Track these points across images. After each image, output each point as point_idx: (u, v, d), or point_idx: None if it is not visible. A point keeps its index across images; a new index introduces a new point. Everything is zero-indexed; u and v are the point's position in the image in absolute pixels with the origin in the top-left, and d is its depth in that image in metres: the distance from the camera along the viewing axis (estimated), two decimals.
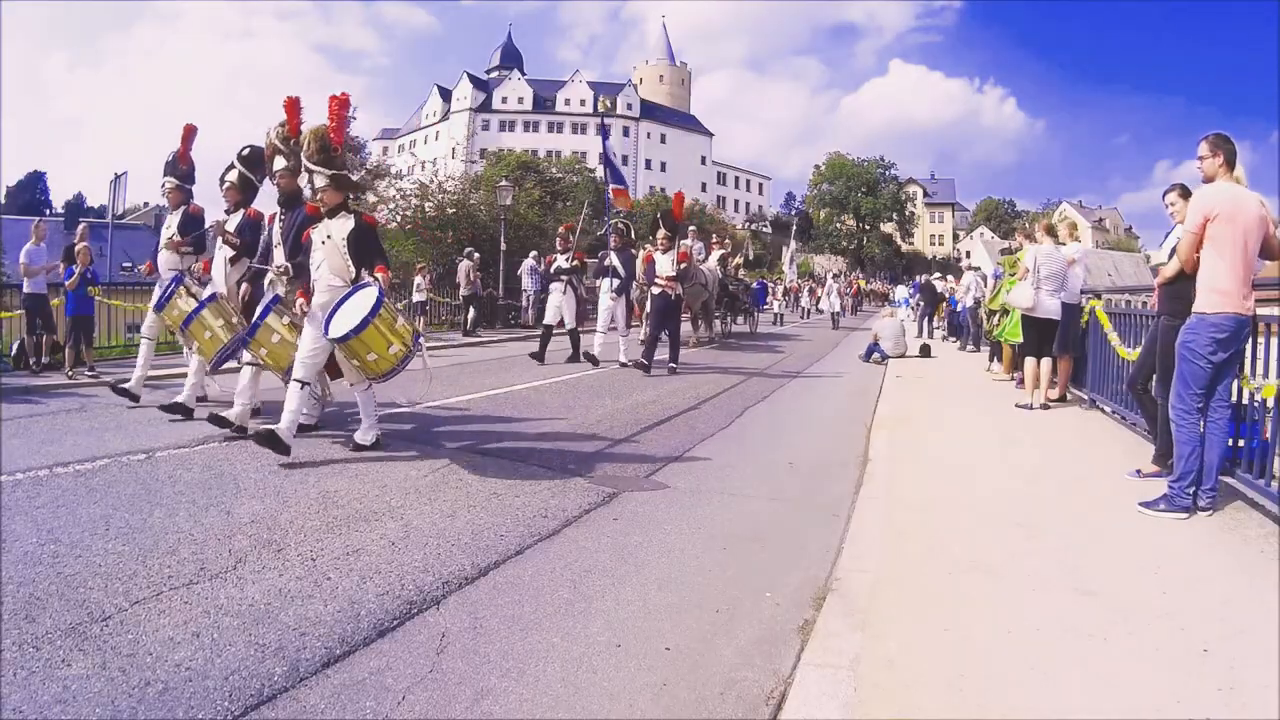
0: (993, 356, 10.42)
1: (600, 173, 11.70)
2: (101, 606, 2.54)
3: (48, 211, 50.45)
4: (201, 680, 2.12)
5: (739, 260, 18.63)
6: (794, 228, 44.55)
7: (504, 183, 20.15)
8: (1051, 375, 7.08)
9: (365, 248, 4.80)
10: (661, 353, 9.73)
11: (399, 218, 20.50)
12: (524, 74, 74.19)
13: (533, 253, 17.55)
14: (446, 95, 74.32)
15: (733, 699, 2.18)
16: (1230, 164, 3.70)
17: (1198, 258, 3.72)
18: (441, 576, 2.93)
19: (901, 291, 27.70)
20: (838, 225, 73.08)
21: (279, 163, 5.25)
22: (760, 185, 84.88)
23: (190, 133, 6.48)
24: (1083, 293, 7.27)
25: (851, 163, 72.81)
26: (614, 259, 10.25)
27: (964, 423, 6.55)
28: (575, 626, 2.58)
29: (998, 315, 8.89)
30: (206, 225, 6.42)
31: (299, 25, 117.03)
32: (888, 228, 74.39)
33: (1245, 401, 3.96)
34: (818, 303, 29.80)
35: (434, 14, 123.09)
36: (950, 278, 24.17)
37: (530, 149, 52.06)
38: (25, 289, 8.40)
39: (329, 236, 4.76)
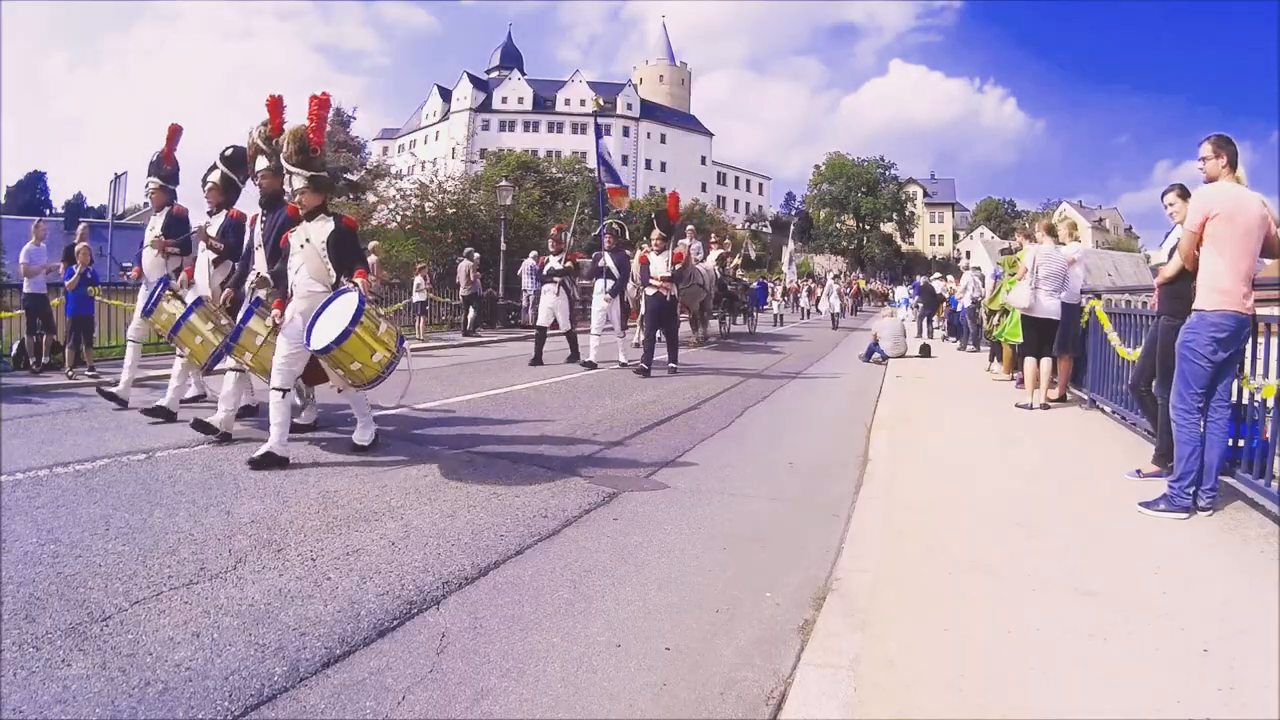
0: (993, 356, 10.42)
1: (599, 173, 11.57)
2: (101, 606, 2.54)
3: (48, 211, 50.40)
4: (201, 680, 2.12)
5: (738, 260, 18.61)
6: (792, 228, 44.52)
7: (504, 183, 20.17)
8: (1051, 375, 7.07)
9: (345, 251, 4.65)
10: (660, 353, 9.71)
11: (399, 218, 20.55)
12: (524, 74, 74.18)
13: (533, 253, 17.55)
14: (446, 95, 74.32)
15: (733, 699, 2.18)
16: (1233, 164, 3.70)
17: (1198, 255, 3.72)
18: (441, 576, 2.93)
19: (901, 291, 27.71)
20: (838, 225, 73.10)
21: (261, 163, 5.14)
22: (760, 185, 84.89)
23: (175, 133, 6.39)
24: (1083, 293, 7.26)
25: (851, 163, 72.82)
26: (608, 260, 10.16)
27: (964, 423, 6.55)
28: (575, 626, 2.58)
29: (998, 315, 8.89)
30: (192, 228, 6.32)
31: (299, 25, 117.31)
32: (888, 228, 74.40)
33: (1245, 401, 3.96)
34: (817, 303, 29.80)
35: (434, 14, 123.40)
36: (950, 278, 24.17)
37: (530, 149, 51.97)
38: (25, 289, 8.40)
39: (307, 240, 4.64)
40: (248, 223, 5.60)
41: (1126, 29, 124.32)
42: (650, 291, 9.83)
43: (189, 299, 5.67)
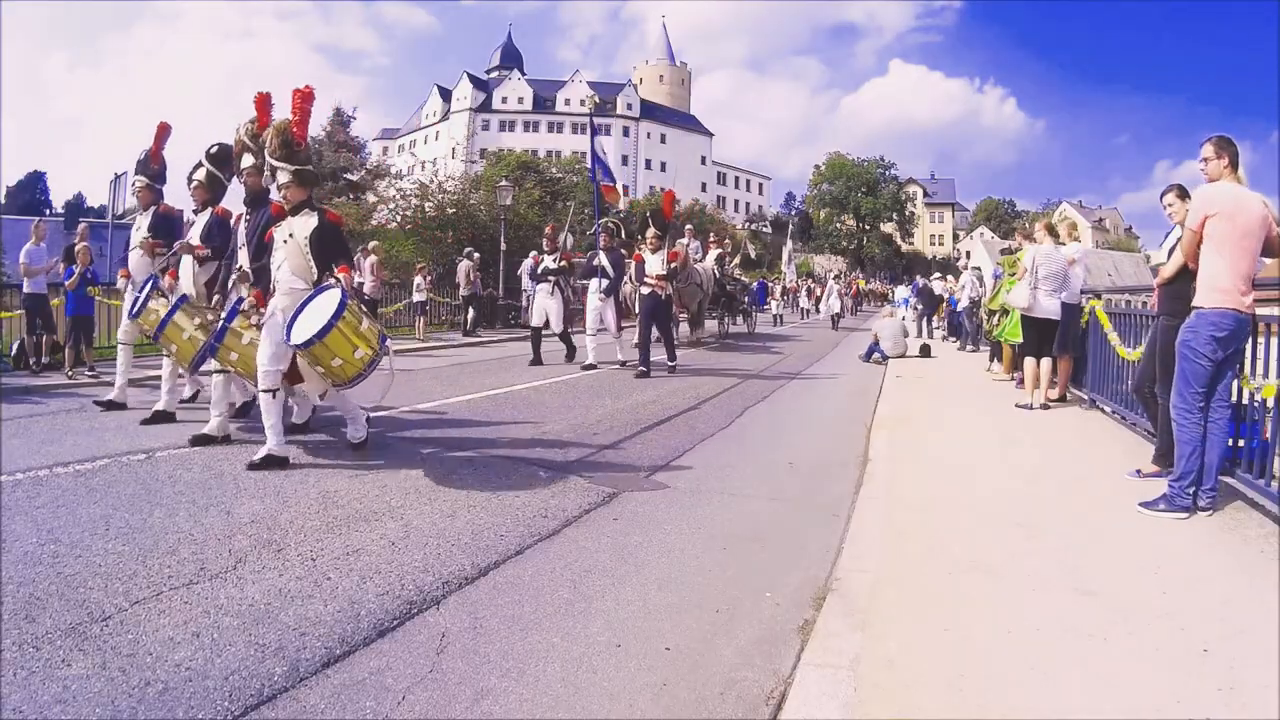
0: (993, 356, 10.42)
1: (595, 171, 11.51)
2: (101, 606, 2.54)
3: (48, 211, 50.39)
4: (201, 680, 2.12)
5: (737, 260, 18.60)
6: (790, 227, 44.51)
7: (504, 183, 20.19)
8: (1051, 375, 7.07)
9: (328, 247, 4.57)
10: (659, 353, 9.68)
11: (399, 218, 20.58)
12: (524, 74, 74.18)
13: (532, 253, 17.56)
14: (446, 95, 74.32)
15: (733, 699, 2.18)
16: (1234, 165, 3.71)
17: (1199, 253, 3.73)
18: (441, 576, 2.93)
19: (901, 291, 27.72)
20: (838, 225, 73.11)
21: (247, 160, 5.08)
22: (760, 185, 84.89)
23: (163, 131, 6.27)
24: (1083, 293, 7.27)
25: (851, 163, 72.85)
26: (603, 259, 10.08)
27: (964, 423, 6.55)
28: (575, 626, 2.58)
29: (998, 315, 8.89)
30: (182, 225, 6.24)
31: (299, 25, 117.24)
32: (888, 228, 74.41)
33: (1245, 401, 3.97)
34: (817, 303, 29.77)
35: (434, 14, 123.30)
36: (950, 277, 24.18)
37: (530, 149, 52.03)
38: (25, 289, 8.41)
39: (291, 235, 4.58)
40: (233, 221, 5.53)
41: (1126, 29, 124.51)
42: (645, 290, 9.73)
43: (175, 298, 5.59)
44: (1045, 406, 6.90)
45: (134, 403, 6.15)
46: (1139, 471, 4.45)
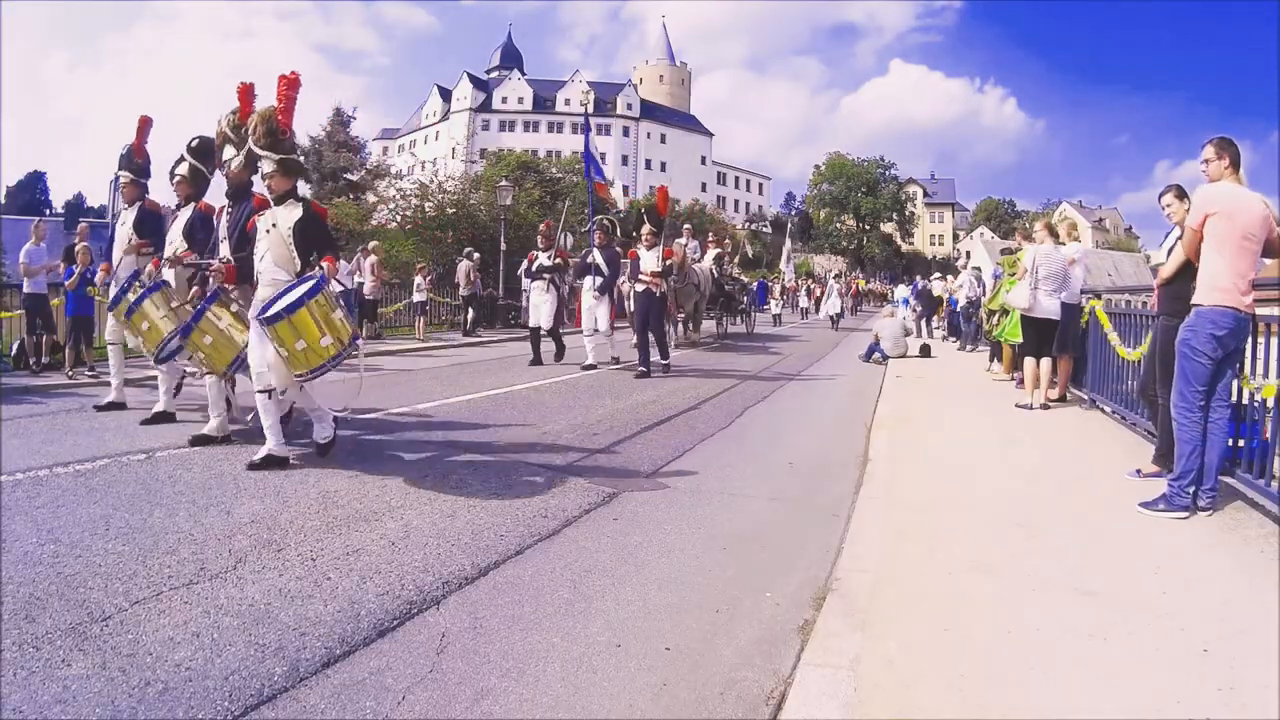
0: (993, 356, 10.42)
1: (588, 169, 11.48)
2: (101, 606, 2.54)
3: (48, 211, 50.49)
4: (201, 680, 2.12)
5: (736, 260, 18.56)
6: (789, 227, 44.51)
7: (504, 183, 20.18)
8: (1051, 375, 7.08)
9: (312, 238, 4.46)
10: (656, 353, 9.64)
11: (399, 218, 20.58)
12: (524, 74, 74.15)
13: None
14: (446, 95, 74.31)
15: (733, 699, 2.18)
16: (1235, 166, 3.71)
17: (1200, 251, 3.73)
18: (441, 576, 2.93)
19: (902, 290, 27.76)
20: (838, 225, 73.08)
21: (229, 152, 4.91)
22: (760, 185, 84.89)
23: (145, 124, 6.10)
24: (1083, 293, 7.27)
25: (851, 163, 72.81)
26: (597, 256, 9.97)
27: (964, 423, 6.55)
28: (575, 626, 2.58)
29: (997, 315, 8.89)
30: (166, 223, 6.04)
31: (299, 25, 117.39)
32: (888, 228, 74.38)
33: (1245, 401, 3.97)
34: (817, 304, 29.76)
35: (434, 14, 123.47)
36: (949, 277, 24.20)
37: (530, 149, 51.99)
38: (25, 289, 8.42)
39: (274, 225, 4.44)
40: (216, 215, 5.39)
41: (1126, 29, 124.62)
42: (639, 288, 9.64)
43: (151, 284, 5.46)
44: (1045, 406, 6.90)
45: (133, 402, 6.15)
46: (1139, 471, 4.45)
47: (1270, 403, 3.63)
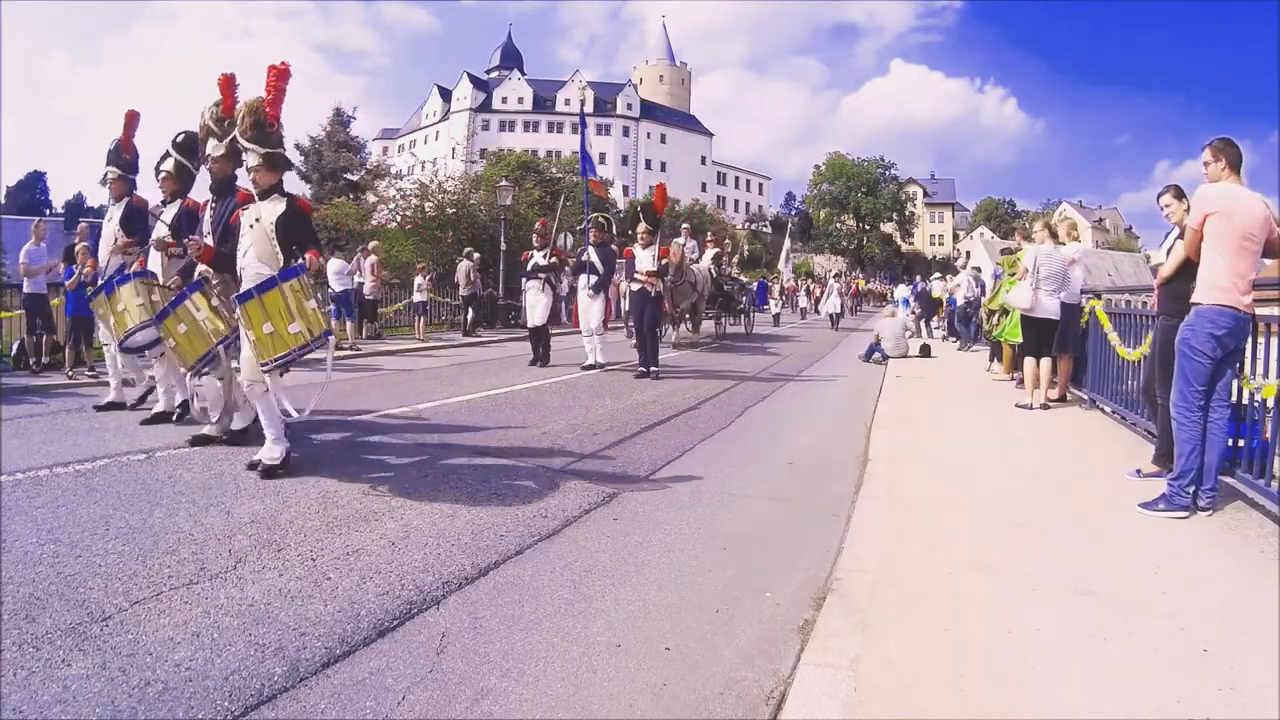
0: (993, 356, 10.42)
1: (583, 167, 11.42)
2: (101, 606, 2.54)
3: (48, 211, 50.42)
4: (201, 680, 2.12)
5: (735, 259, 18.54)
6: (789, 226, 44.49)
7: (504, 183, 20.18)
8: (1051, 375, 7.08)
9: (296, 233, 4.33)
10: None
11: (399, 218, 20.56)
12: (524, 74, 74.11)
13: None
14: (446, 95, 74.27)
15: (733, 699, 2.18)
16: (1234, 167, 3.71)
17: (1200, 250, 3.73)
18: (441, 576, 2.93)
19: (901, 290, 27.76)
20: (838, 225, 73.05)
21: (212, 145, 4.79)
22: (760, 185, 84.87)
23: (132, 119, 5.96)
24: (1083, 293, 7.27)
25: (851, 163, 72.77)
26: (593, 254, 9.83)
27: (964, 423, 6.54)
28: (575, 626, 2.58)
29: (997, 315, 8.89)
30: (150, 217, 5.95)
31: (299, 25, 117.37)
32: (888, 228, 74.34)
33: (1245, 401, 3.97)
34: (816, 304, 29.75)
35: (434, 14, 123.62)
36: (950, 277, 24.21)
37: (530, 149, 51.90)
38: (25, 289, 8.41)
39: (258, 219, 4.31)
40: (199, 210, 5.32)
41: (1126, 29, 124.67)
42: (635, 287, 9.54)
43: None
44: (1045, 406, 6.90)
45: (133, 402, 6.15)
46: (1139, 471, 4.45)
47: (1270, 403, 3.63)
